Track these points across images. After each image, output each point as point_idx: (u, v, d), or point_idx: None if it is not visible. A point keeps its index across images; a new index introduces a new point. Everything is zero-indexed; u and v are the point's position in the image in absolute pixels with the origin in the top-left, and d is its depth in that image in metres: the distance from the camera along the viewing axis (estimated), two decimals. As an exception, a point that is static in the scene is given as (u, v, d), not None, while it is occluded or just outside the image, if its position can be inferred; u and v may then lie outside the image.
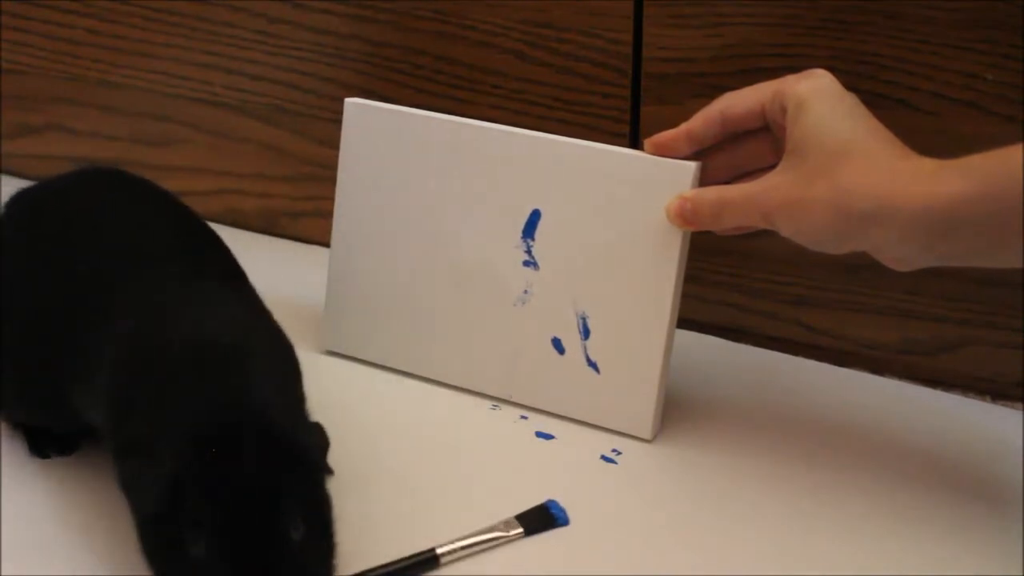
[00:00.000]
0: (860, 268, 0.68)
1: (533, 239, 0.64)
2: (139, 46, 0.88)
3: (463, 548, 0.53)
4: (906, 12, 0.63)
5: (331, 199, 0.70)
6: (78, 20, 0.90)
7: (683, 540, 0.55)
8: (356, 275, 0.69)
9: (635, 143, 0.72)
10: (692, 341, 0.74)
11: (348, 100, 0.68)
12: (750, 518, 0.57)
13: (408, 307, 0.68)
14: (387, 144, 0.67)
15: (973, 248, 0.50)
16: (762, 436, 0.64)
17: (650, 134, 0.60)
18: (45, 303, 0.56)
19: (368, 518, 0.56)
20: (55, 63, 0.92)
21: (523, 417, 0.65)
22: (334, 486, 0.56)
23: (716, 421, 0.66)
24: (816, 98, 0.54)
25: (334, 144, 0.69)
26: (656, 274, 0.61)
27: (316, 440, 0.50)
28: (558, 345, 0.64)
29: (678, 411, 0.66)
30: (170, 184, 0.62)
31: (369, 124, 0.68)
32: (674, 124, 0.60)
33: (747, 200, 0.56)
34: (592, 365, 0.64)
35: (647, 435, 0.63)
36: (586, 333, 0.63)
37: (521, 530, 0.55)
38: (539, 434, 0.64)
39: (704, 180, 0.60)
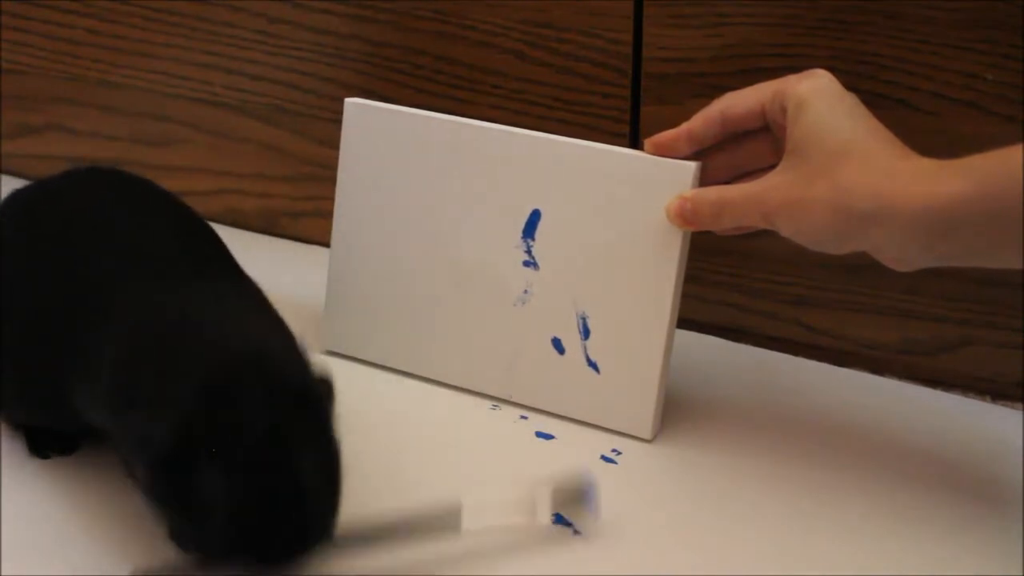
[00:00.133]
0: (860, 268, 0.68)
1: (533, 239, 0.64)
2: (139, 46, 0.88)
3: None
4: (906, 12, 0.64)
5: (331, 199, 0.70)
6: (78, 20, 0.90)
7: (683, 540, 0.55)
8: (356, 275, 0.69)
9: (635, 143, 0.72)
10: (692, 341, 0.74)
11: (348, 100, 0.68)
12: (750, 518, 0.57)
13: (408, 307, 0.68)
14: (387, 144, 0.67)
15: (973, 248, 0.50)
16: (762, 436, 0.64)
17: (650, 134, 0.60)
18: (44, 303, 0.56)
19: (367, 518, 0.56)
20: (55, 63, 0.92)
21: (523, 417, 0.65)
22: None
23: (716, 421, 0.66)
24: (816, 98, 0.55)
25: (334, 144, 0.69)
26: (656, 274, 0.61)
27: (325, 385, 0.50)
28: (558, 345, 0.64)
29: (678, 411, 0.66)
30: (170, 184, 0.62)
31: (369, 124, 0.68)
32: (674, 124, 0.60)
33: (747, 200, 0.56)
34: (592, 365, 0.64)
35: (647, 435, 0.63)
36: (586, 333, 0.63)
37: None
38: (539, 434, 0.64)
39: (704, 180, 0.60)
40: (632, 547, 0.55)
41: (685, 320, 0.65)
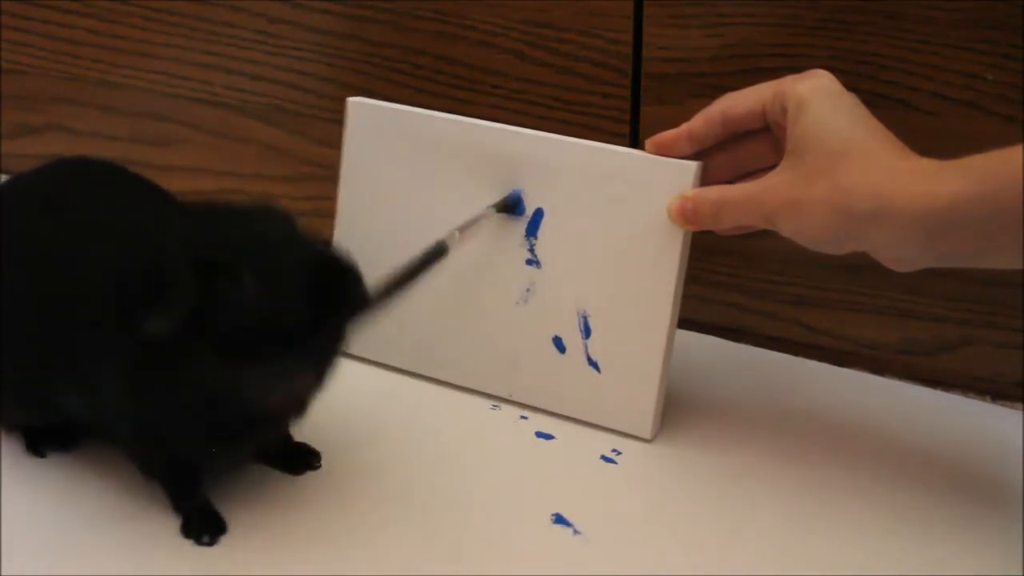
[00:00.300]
0: (860, 268, 0.68)
1: (536, 238, 0.64)
2: (139, 46, 0.88)
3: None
4: (906, 12, 0.64)
5: (331, 199, 0.70)
6: (78, 20, 0.90)
7: (683, 540, 0.55)
8: (356, 275, 0.69)
9: (635, 143, 0.72)
10: (692, 341, 0.74)
11: (351, 99, 0.68)
12: (750, 518, 0.57)
13: (409, 306, 0.68)
14: (390, 143, 0.67)
15: (973, 248, 0.50)
16: (762, 436, 0.64)
17: (650, 134, 0.60)
18: (29, 299, 0.56)
19: (367, 518, 0.56)
20: (55, 63, 0.92)
21: (523, 417, 0.65)
22: (331, 486, 0.57)
23: (716, 421, 0.66)
24: (816, 98, 0.55)
25: (334, 144, 0.69)
26: (657, 273, 0.61)
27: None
28: (559, 344, 0.64)
29: (678, 411, 0.66)
30: (170, 184, 0.62)
31: (372, 123, 0.68)
32: (674, 124, 0.60)
33: (747, 200, 0.56)
34: (593, 364, 0.64)
35: (647, 435, 0.63)
36: (587, 332, 0.63)
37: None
38: (539, 434, 0.64)
39: (705, 180, 0.60)
40: (632, 547, 0.55)
41: (685, 320, 0.65)
